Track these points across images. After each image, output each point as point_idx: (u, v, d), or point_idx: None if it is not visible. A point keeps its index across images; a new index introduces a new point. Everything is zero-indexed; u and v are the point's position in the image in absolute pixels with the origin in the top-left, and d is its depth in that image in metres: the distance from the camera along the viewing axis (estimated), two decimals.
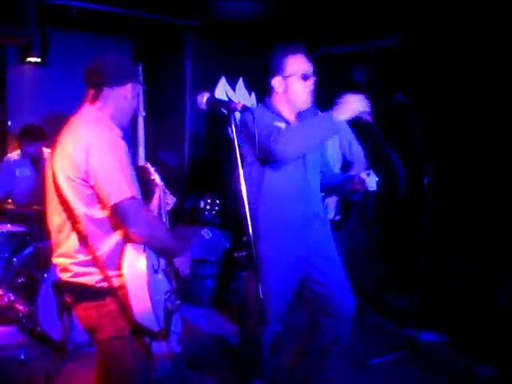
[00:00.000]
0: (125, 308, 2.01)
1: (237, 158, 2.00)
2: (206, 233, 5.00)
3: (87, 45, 5.70)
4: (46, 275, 3.66)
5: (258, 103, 3.93)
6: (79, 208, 2.01)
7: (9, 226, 4.28)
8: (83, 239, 2.03)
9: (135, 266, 2.00)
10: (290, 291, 2.79)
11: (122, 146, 2.04)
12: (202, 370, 3.54)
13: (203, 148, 5.85)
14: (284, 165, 2.64)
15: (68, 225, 2.06)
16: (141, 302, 1.99)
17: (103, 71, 2.11)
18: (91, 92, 2.13)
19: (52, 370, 3.35)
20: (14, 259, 4.05)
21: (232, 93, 5.85)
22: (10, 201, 4.28)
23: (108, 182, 1.96)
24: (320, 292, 2.78)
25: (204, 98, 2.14)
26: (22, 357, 3.52)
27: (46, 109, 5.52)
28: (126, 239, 2.03)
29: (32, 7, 4.53)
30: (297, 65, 2.68)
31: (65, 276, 2.10)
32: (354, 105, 2.56)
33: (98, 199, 2.00)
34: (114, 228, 2.03)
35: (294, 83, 2.69)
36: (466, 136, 4.35)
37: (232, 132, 2.04)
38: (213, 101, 2.19)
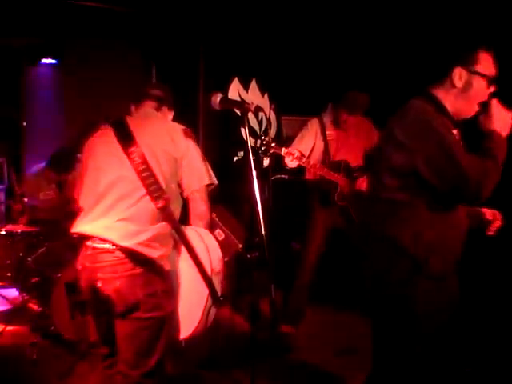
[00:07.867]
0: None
1: (250, 159, 1.99)
2: (219, 233, 4.98)
3: (100, 46, 5.73)
4: (59, 275, 3.67)
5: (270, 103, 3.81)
6: (168, 182, 2.31)
7: (23, 226, 4.32)
8: (160, 211, 2.23)
9: (212, 240, 2.38)
10: None
11: None
12: (214, 369, 3.53)
13: (216, 148, 5.84)
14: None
15: (140, 193, 2.23)
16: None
17: (167, 95, 2.80)
18: (154, 104, 2.69)
19: (65, 369, 3.37)
20: (28, 259, 4.07)
21: (245, 93, 5.84)
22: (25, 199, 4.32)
23: (202, 167, 2.51)
24: None
25: (217, 98, 2.13)
26: (35, 357, 3.54)
27: (61, 110, 5.55)
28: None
29: (47, 9, 4.56)
30: (488, 64, 2.09)
31: (127, 242, 2.17)
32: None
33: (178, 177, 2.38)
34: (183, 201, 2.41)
35: (479, 84, 2.09)
36: None
37: (245, 133, 2.03)
38: (226, 101, 2.18)
